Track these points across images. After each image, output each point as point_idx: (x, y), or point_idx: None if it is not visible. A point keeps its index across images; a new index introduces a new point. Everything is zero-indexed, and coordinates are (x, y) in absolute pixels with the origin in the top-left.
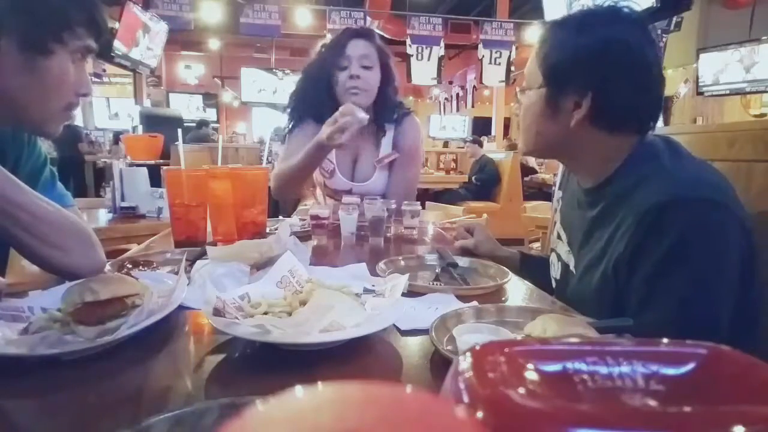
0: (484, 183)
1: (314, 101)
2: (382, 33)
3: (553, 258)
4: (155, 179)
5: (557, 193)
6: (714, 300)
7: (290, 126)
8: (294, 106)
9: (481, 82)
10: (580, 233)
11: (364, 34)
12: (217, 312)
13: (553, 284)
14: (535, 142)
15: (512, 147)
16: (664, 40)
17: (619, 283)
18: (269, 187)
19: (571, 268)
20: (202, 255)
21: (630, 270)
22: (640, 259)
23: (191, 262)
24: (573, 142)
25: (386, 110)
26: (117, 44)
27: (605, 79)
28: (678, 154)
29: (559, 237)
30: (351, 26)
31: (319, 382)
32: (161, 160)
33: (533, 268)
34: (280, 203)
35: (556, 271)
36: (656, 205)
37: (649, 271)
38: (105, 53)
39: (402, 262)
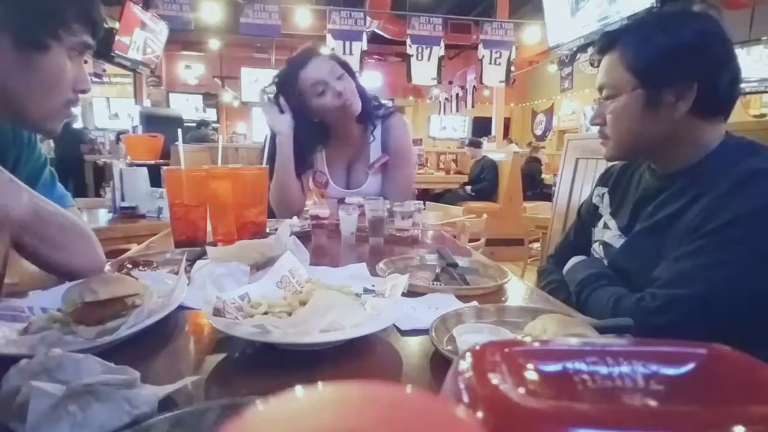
0: (482, 190)
1: (307, 143)
2: (382, 33)
3: (596, 247)
4: (155, 179)
5: (598, 190)
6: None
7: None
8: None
9: (481, 82)
10: (646, 214)
11: (312, 53)
12: (217, 312)
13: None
14: (635, 143)
15: (534, 149)
16: None
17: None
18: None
19: (619, 246)
20: (202, 255)
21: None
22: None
23: (191, 262)
24: (674, 134)
25: (369, 109)
26: (117, 44)
27: (708, 69)
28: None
29: (606, 227)
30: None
31: (319, 382)
32: (161, 160)
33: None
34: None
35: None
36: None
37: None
38: (105, 53)
39: (402, 262)
